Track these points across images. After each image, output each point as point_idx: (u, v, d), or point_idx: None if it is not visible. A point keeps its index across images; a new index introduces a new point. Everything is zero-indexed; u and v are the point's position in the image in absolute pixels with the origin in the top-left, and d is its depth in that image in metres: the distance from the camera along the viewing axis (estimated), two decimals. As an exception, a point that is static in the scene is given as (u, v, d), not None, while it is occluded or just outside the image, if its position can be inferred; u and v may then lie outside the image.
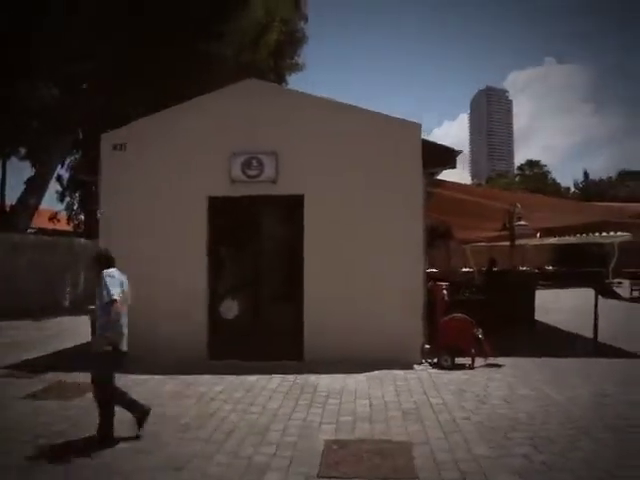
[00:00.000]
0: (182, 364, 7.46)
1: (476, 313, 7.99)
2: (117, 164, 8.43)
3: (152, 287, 7.91)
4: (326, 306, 7.93)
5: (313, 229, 8.13)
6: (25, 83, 15.52)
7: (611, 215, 11.47)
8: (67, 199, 23.76)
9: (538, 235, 14.97)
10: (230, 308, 8.36)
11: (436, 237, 19.47)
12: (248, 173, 8.19)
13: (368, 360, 7.47)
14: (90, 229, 20.87)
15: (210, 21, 16.34)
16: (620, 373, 7.28)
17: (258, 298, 8.44)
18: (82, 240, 19.15)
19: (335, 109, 8.31)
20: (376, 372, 7.21)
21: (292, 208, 8.24)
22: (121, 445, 4.57)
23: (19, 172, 50.70)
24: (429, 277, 9.51)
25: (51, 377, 7.02)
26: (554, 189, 53.50)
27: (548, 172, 63.99)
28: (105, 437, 4.62)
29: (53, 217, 23.40)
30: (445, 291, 8.30)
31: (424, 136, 8.13)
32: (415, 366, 7.62)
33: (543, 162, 66.84)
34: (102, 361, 4.68)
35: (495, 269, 14.45)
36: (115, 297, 4.56)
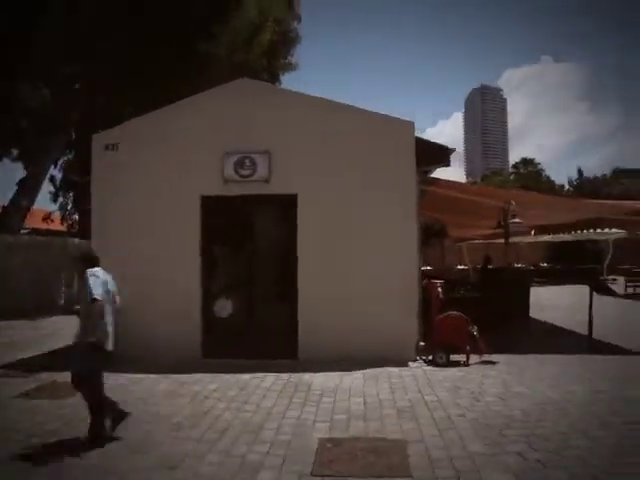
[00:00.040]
0: (176, 363, 7.44)
1: (471, 310, 8.00)
2: (109, 164, 8.39)
3: (145, 287, 7.94)
4: (320, 305, 7.91)
5: (307, 228, 8.11)
6: (22, 83, 15.43)
7: (605, 212, 11.51)
8: (60, 199, 23.60)
9: (533, 232, 15.04)
10: (224, 307, 8.35)
11: (431, 235, 19.57)
12: (241, 172, 8.17)
13: (362, 358, 7.47)
14: (84, 229, 20.69)
15: (205, 21, 16.29)
16: (615, 370, 7.29)
17: (252, 297, 8.41)
18: (76, 240, 19.07)
19: (328, 108, 8.28)
20: (370, 370, 7.19)
21: (286, 207, 8.22)
22: (114, 444, 4.54)
23: (11, 173, 50.48)
24: (424, 275, 9.53)
25: (46, 377, 6.97)
26: (548, 187, 53.65)
27: (542, 170, 64.21)
28: (97, 437, 4.58)
29: (47, 217, 23.24)
30: (440, 289, 8.29)
31: (418, 134, 8.13)
32: (410, 364, 7.61)
33: (538, 160, 67.24)
34: (83, 359, 4.61)
35: (490, 266, 14.50)
36: (96, 297, 4.49)
